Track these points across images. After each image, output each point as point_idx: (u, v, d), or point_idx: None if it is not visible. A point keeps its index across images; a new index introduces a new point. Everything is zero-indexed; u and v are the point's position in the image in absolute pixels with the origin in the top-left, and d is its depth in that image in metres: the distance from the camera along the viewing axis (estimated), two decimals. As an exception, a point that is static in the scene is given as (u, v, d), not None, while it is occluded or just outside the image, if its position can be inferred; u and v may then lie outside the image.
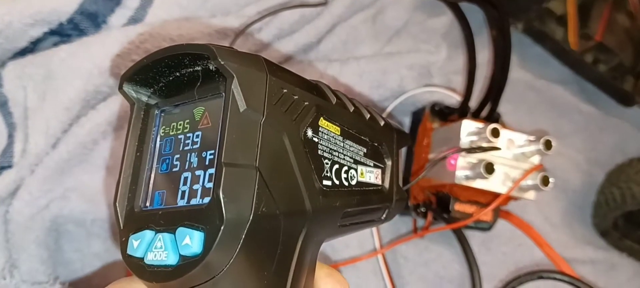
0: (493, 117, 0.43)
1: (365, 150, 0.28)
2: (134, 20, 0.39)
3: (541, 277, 0.43)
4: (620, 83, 0.54)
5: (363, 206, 0.27)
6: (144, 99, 0.23)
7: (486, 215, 0.41)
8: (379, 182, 0.29)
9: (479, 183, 0.39)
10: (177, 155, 0.22)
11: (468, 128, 0.39)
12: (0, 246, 0.35)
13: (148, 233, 0.21)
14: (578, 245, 0.51)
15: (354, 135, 0.27)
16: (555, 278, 0.43)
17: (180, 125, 0.22)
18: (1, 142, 0.36)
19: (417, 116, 0.46)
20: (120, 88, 0.23)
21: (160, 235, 0.20)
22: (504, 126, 0.41)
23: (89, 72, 0.36)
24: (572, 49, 0.52)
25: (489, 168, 0.37)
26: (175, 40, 0.39)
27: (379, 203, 0.28)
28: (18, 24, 0.35)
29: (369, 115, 0.28)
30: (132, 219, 0.22)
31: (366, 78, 0.45)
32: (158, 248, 0.20)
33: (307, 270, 0.23)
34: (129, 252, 0.21)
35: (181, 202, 0.21)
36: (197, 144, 0.21)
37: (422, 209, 0.43)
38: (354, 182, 0.26)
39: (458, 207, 0.41)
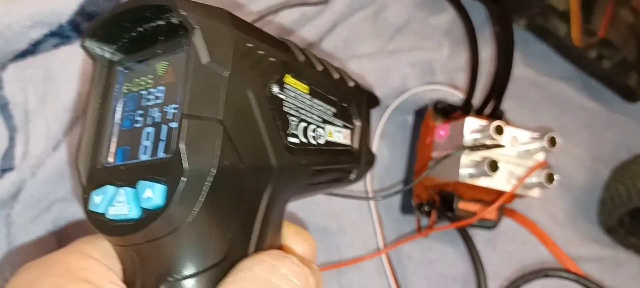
0: (496, 115, 0.43)
1: (334, 110, 0.28)
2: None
3: (547, 276, 0.43)
4: (624, 79, 0.54)
5: (331, 165, 0.27)
6: (107, 55, 0.23)
7: (490, 213, 0.41)
8: (348, 142, 0.29)
9: (483, 182, 0.39)
10: (140, 111, 0.22)
11: (471, 126, 0.39)
12: (2, 249, 0.35)
13: (110, 189, 0.20)
14: (583, 243, 0.51)
15: (323, 94, 0.27)
16: (561, 277, 0.43)
17: (143, 81, 0.22)
18: (2, 145, 0.36)
19: (420, 114, 0.46)
20: (82, 44, 0.23)
21: (122, 190, 0.20)
22: (508, 123, 0.41)
23: (90, 74, 0.36)
24: (576, 45, 0.52)
25: (493, 166, 0.37)
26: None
27: (348, 163, 0.29)
28: (17, 26, 0.35)
29: (338, 76, 0.28)
30: (94, 176, 0.22)
31: (368, 76, 0.45)
32: (120, 203, 0.20)
33: (273, 227, 0.23)
34: (90, 207, 0.21)
35: (144, 157, 0.21)
36: (160, 99, 0.21)
37: (426, 208, 0.43)
38: (322, 141, 0.26)
39: (462, 205, 0.41)
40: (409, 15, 0.49)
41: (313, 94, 0.26)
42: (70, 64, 0.36)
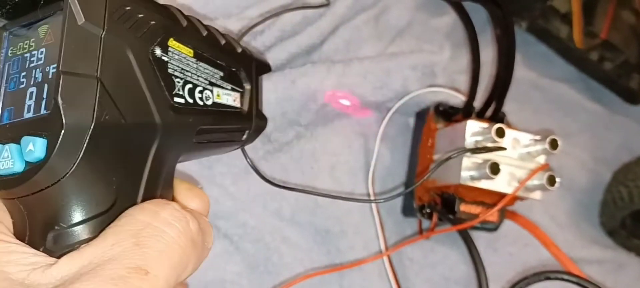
0: (498, 117, 0.43)
1: (221, 73, 0.30)
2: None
3: (548, 278, 0.42)
4: (626, 81, 0.54)
5: (219, 125, 0.29)
6: None
7: (492, 215, 0.41)
8: (238, 105, 0.31)
9: (484, 184, 0.39)
10: (24, 73, 0.23)
11: (473, 128, 0.39)
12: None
13: None
14: (585, 245, 0.51)
15: (209, 58, 0.29)
16: (562, 279, 0.42)
17: (26, 44, 0.23)
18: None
19: (421, 117, 0.46)
20: None
21: (7, 146, 0.21)
22: (509, 126, 0.41)
23: None
24: (577, 47, 0.52)
25: (495, 168, 0.37)
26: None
27: (238, 124, 0.31)
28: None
29: (224, 41, 0.30)
30: None
31: (369, 79, 0.45)
32: (5, 158, 0.21)
33: (162, 181, 0.25)
34: None
35: (27, 115, 0.22)
36: (41, 60, 0.22)
37: (427, 210, 0.43)
38: (209, 102, 0.28)
39: (464, 207, 0.41)
40: (410, 17, 0.49)
41: (198, 57, 0.28)
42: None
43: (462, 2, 0.44)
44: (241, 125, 0.31)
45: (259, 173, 0.37)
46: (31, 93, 0.22)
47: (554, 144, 0.39)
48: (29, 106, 0.22)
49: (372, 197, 0.44)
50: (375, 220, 0.44)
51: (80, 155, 0.21)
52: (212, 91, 0.29)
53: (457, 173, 0.39)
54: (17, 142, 0.21)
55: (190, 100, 0.27)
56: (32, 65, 0.23)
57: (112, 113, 0.21)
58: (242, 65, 0.31)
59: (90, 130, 0.21)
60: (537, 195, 0.41)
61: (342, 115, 0.45)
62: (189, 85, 0.27)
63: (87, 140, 0.21)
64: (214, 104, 0.29)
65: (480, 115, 0.43)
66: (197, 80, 0.27)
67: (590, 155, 0.54)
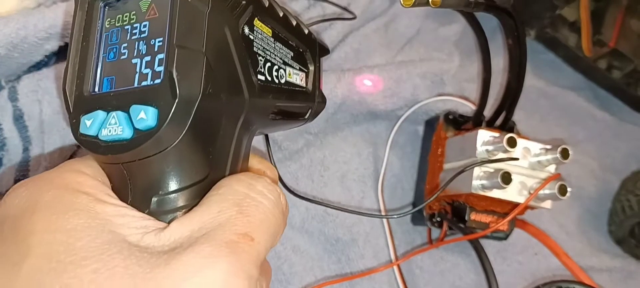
0: (508, 126, 0.43)
1: (292, 53, 0.31)
2: (148, 32, 0.39)
3: (559, 287, 0.42)
4: (634, 89, 0.54)
5: (290, 102, 0.30)
6: None
7: (503, 224, 0.41)
8: (304, 84, 0.32)
9: (495, 193, 0.39)
10: (125, 44, 0.23)
11: (484, 137, 0.39)
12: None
13: (100, 113, 0.22)
14: (594, 254, 0.51)
15: (283, 38, 0.30)
16: (573, 288, 0.42)
17: (126, 17, 0.24)
18: (17, 156, 0.37)
19: (431, 125, 0.46)
20: None
21: (113, 113, 0.22)
22: (519, 135, 0.41)
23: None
24: (586, 56, 0.52)
25: (506, 178, 0.37)
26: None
27: (304, 102, 0.32)
28: (33, 38, 0.35)
29: (296, 23, 0.31)
30: (81, 102, 0.23)
31: (379, 87, 0.45)
32: (112, 125, 0.22)
33: (244, 154, 0.26)
34: (82, 131, 0.23)
35: (132, 85, 0.22)
36: (145, 33, 0.23)
37: (438, 219, 0.43)
38: (283, 81, 0.29)
39: (474, 216, 0.41)
40: (420, 25, 0.49)
41: (275, 37, 0.29)
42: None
43: (474, 12, 0.44)
44: (306, 104, 0.32)
45: (284, 184, 0.38)
46: (136, 64, 0.22)
47: (565, 154, 0.39)
48: (134, 76, 0.22)
49: (381, 206, 0.44)
50: (385, 229, 0.44)
51: (188, 126, 0.21)
52: (285, 70, 0.30)
53: (468, 182, 0.39)
54: (125, 110, 0.22)
55: (269, 78, 0.28)
56: (134, 37, 0.23)
57: (214, 85, 0.22)
58: (308, 47, 0.33)
59: (198, 101, 0.21)
60: (547, 204, 0.40)
61: (351, 124, 0.46)
62: (268, 64, 0.28)
63: (194, 112, 0.21)
64: (287, 82, 0.30)
65: (490, 124, 0.43)
66: (274, 59, 0.28)
67: (598, 164, 0.54)
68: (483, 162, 0.38)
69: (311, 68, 0.33)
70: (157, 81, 0.21)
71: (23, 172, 0.36)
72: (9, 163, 0.36)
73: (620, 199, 0.51)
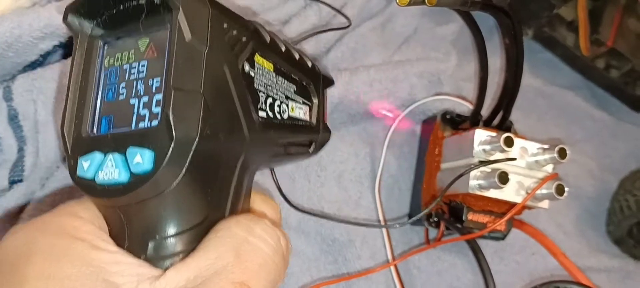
0: (505, 126, 0.43)
1: (295, 87, 0.30)
2: (144, 32, 0.39)
3: (557, 287, 0.42)
4: (632, 88, 0.54)
5: (293, 138, 0.30)
6: (88, 30, 0.25)
7: (500, 224, 0.41)
8: (307, 118, 0.32)
9: (492, 193, 0.38)
10: (123, 84, 0.23)
11: (481, 137, 0.39)
12: (11, 261, 0.35)
13: (97, 155, 0.22)
14: (592, 254, 0.51)
15: (285, 73, 0.29)
16: (570, 288, 0.42)
17: (124, 55, 0.24)
18: (11, 156, 0.36)
19: (428, 124, 0.46)
20: (64, 19, 0.24)
21: (110, 156, 0.22)
22: (517, 134, 0.41)
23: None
24: (583, 55, 0.52)
25: (503, 178, 0.37)
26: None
27: (308, 136, 0.31)
28: (27, 38, 0.35)
29: (298, 56, 0.30)
30: (79, 143, 0.23)
31: (376, 87, 0.45)
32: (109, 168, 0.21)
33: (244, 193, 0.26)
34: (79, 173, 0.22)
35: (131, 126, 0.22)
36: (143, 73, 0.23)
37: (435, 219, 0.42)
38: (285, 116, 0.29)
39: (471, 216, 0.41)
40: (417, 25, 0.49)
41: (277, 71, 0.28)
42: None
43: (471, 11, 0.44)
44: (310, 138, 0.32)
45: (285, 197, 0.38)
46: (133, 105, 0.22)
47: (562, 153, 0.39)
48: (131, 117, 0.22)
49: (379, 207, 0.44)
50: (382, 230, 0.44)
51: (185, 168, 0.21)
52: (287, 105, 0.29)
53: (465, 182, 0.38)
54: (122, 152, 0.21)
55: (271, 115, 0.27)
56: (132, 77, 0.23)
57: (212, 126, 0.22)
58: (312, 80, 0.32)
59: (196, 143, 0.21)
60: (545, 204, 0.40)
61: (348, 123, 0.45)
62: (270, 100, 0.27)
63: (191, 154, 0.21)
64: (289, 117, 0.29)
65: (487, 124, 0.43)
66: (276, 94, 0.28)
67: (596, 163, 0.54)
68: (481, 163, 0.38)
69: (315, 101, 0.32)
70: (155, 123, 0.21)
71: (18, 172, 0.36)
72: (4, 164, 0.36)
73: (619, 199, 0.51)
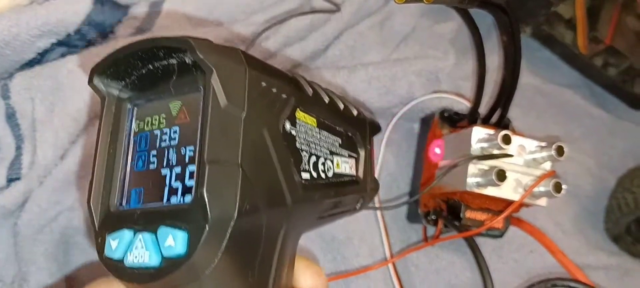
0: (503, 123, 0.43)
1: (340, 140, 0.28)
2: (142, 30, 0.39)
3: (555, 285, 0.42)
4: (630, 86, 0.54)
5: (339, 197, 0.27)
6: (115, 92, 0.23)
7: (498, 222, 0.41)
8: (354, 172, 0.29)
9: (490, 191, 0.38)
10: (154, 152, 0.21)
11: (479, 134, 0.39)
12: (9, 259, 0.35)
13: (126, 233, 0.20)
14: (590, 251, 0.51)
15: (330, 126, 0.27)
16: (569, 286, 0.42)
17: (155, 120, 0.22)
18: (9, 154, 0.36)
19: (426, 122, 0.46)
20: (90, 82, 0.22)
21: (140, 235, 0.19)
22: (515, 132, 0.41)
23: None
24: (582, 53, 0.52)
25: (501, 175, 0.37)
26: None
27: (354, 193, 0.28)
28: (25, 36, 0.35)
29: (343, 106, 0.28)
30: (108, 218, 0.21)
31: (374, 85, 0.45)
32: (139, 249, 0.19)
33: (288, 263, 0.23)
34: (107, 253, 0.20)
35: (162, 202, 0.20)
36: (175, 140, 0.21)
37: (433, 217, 0.42)
38: (330, 174, 0.26)
39: (469, 214, 0.41)
40: (415, 23, 0.49)
41: (321, 126, 0.26)
42: (78, 73, 0.36)
43: (468, 9, 0.44)
44: (358, 194, 0.29)
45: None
46: (164, 176, 0.20)
47: (560, 151, 0.39)
48: (163, 191, 0.20)
49: (377, 204, 0.44)
50: (380, 227, 0.44)
51: (223, 250, 0.19)
52: (332, 161, 0.27)
53: (462, 180, 0.38)
54: (152, 231, 0.19)
55: (315, 175, 0.25)
56: (163, 144, 0.21)
57: (251, 200, 0.19)
58: (357, 129, 0.30)
59: (233, 222, 0.19)
60: (542, 201, 0.40)
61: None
62: (314, 158, 0.25)
63: (229, 233, 0.19)
64: (334, 174, 0.27)
65: (485, 121, 0.43)
66: (320, 151, 0.26)
67: (595, 161, 0.54)
68: (474, 157, 0.38)
69: (361, 152, 0.30)
70: (188, 198, 0.19)
71: (15, 170, 0.36)
72: (2, 162, 0.36)
73: (617, 197, 0.51)
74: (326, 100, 0.26)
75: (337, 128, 0.28)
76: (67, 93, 0.36)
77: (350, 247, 0.42)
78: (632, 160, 0.54)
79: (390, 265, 0.43)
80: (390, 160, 0.46)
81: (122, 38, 0.39)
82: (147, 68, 0.22)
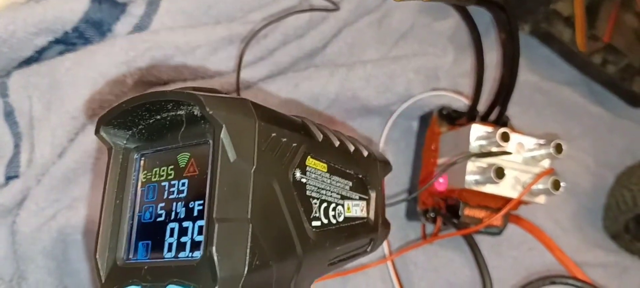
0: (502, 121, 0.43)
1: (350, 183, 0.27)
2: (139, 28, 0.39)
3: (553, 282, 0.42)
4: (629, 84, 0.54)
5: (350, 241, 0.26)
6: (122, 142, 0.22)
7: (496, 219, 0.41)
8: (365, 215, 0.28)
9: (489, 188, 0.38)
10: (162, 204, 0.21)
11: (477, 132, 0.39)
12: (7, 257, 0.35)
13: None
14: (589, 249, 0.51)
15: (340, 169, 0.26)
16: (567, 283, 0.42)
17: (163, 171, 0.21)
18: (7, 152, 0.36)
19: (425, 120, 0.46)
20: (97, 132, 0.22)
21: None
22: (513, 129, 0.41)
23: (95, 81, 0.36)
24: (580, 51, 0.52)
25: (500, 173, 0.37)
26: (181, 47, 0.39)
27: (365, 235, 0.28)
28: (22, 33, 0.35)
29: (353, 148, 0.27)
30: (115, 273, 0.21)
31: (373, 82, 0.45)
32: None
33: None
34: None
35: (168, 255, 0.20)
36: (183, 193, 0.20)
37: (431, 215, 0.43)
38: (341, 219, 0.26)
39: (468, 212, 0.41)
40: (414, 21, 0.49)
41: (331, 171, 0.26)
42: (76, 71, 0.36)
43: (466, 6, 0.43)
44: (369, 237, 0.28)
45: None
46: (172, 229, 0.20)
47: (558, 149, 0.39)
48: (170, 244, 0.20)
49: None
50: (378, 225, 0.44)
51: None
52: (343, 205, 0.26)
53: (461, 177, 0.38)
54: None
55: (325, 221, 0.24)
56: (172, 196, 0.21)
57: (261, 255, 0.19)
58: (368, 170, 0.29)
59: (243, 280, 0.18)
60: (541, 199, 0.40)
61: (345, 119, 0.45)
62: (324, 205, 0.25)
63: None
64: (345, 218, 0.26)
65: (484, 119, 0.43)
66: (331, 196, 0.25)
67: (593, 159, 0.54)
68: (472, 155, 0.38)
69: (373, 194, 0.29)
70: (197, 254, 0.19)
71: (14, 168, 0.36)
72: (0, 160, 0.36)
73: (615, 194, 0.51)
74: (336, 143, 0.26)
75: (348, 171, 0.27)
76: (64, 91, 0.36)
77: (348, 244, 0.42)
78: (630, 158, 0.54)
79: (389, 263, 0.43)
80: (389, 157, 0.46)
81: (120, 36, 0.38)
82: (154, 118, 0.22)
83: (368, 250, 0.29)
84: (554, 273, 0.45)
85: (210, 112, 0.19)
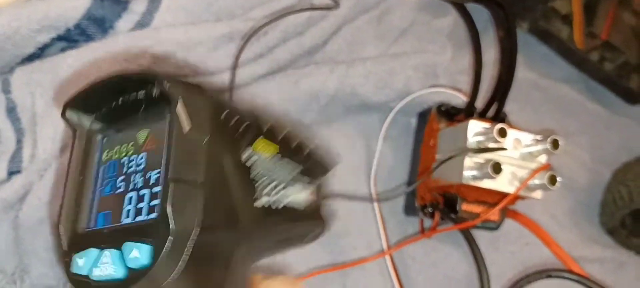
0: (499, 117, 0.43)
1: (294, 174, 0.29)
2: (141, 25, 0.39)
3: (549, 276, 0.43)
4: (626, 81, 0.54)
5: (293, 223, 0.29)
6: (87, 124, 0.24)
7: (494, 214, 0.41)
8: (307, 204, 0.31)
9: (486, 183, 0.39)
10: (121, 177, 0.23)
11: (475, 128, 0.39)
12: (10, 251, 0.35)
13: (93, 251, 0.21)
14: (586, 244, 0.51)
15: (286, 157, 0.29)
16: (563, 277, 0.43)
17: (123, 148, 0.23)
18: (10, 148, 0.37)
19: (424, 117, 0.46)
20: (63, 115, 0.24)
21: (106, 252, 0.21)
22: (511, 126, 0.41)
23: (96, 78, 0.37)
24: (578, 48, 0.52)
25: (497, 168, 0.37)
26: (182, 44, 0.39)
27: (306, 222, 0.31)
28: (25, 30, 0.36)
29: (296, 142, 0.30)
30: (75, 240, 0.23)
31: (372, 79, 0.45)
32: (105, 264, 0.21)
33: (242, 284, 0.25)
34: (73, 270, 0.22)
35: (126, 221, 0.22)
36: (141, 166, 0.22)
37: (429, 210, 0.43)
38: (286, 201, 0.28)
39: (465, 207, 0.41)
40: (413, 18, 0.49)
41: (276, 158, 0.28)
42: (78, 67, 0.37)
43: (465, 3, 0.44)
44: (308, 224, 0.31)
45: None
46: (130, 198, 0.22)
47: (555, 144, 0.39)
48: (128, 211, 0.22)
49: (374, 197, 0.45)
50: (377, 220, 0.44)
51: (182, 262, 0.20)
52: (287, 190, 0.28)
53: (459, 172, 0.39)
54: (118, 247, 0.21)
55: (271, 200, 0.26)
56: (130, 170, 0.23)
57: (210, 218, 0.21)
58: (308, 166, 0.31)
59: (195, 236, 0.20)
60: (538, 194, 0.41)
61: (344, 116, 0.46)
62: (271, 185, 0.27)
63: (190, 247, 0.20)
64: (289, 203, 0.29)
65: (482, 116, 0.44)
66: (276, 180, 0.27)
67: (590, 155, 0.54)
68: (469, 150, 0.38)
69: (313, 187, 0.32)
70: (153, 216, 0.21)
71: (16, 164, 0.36)
72: (2, 155, 0.36)
73: (611, 190, 0.51)
74: (282, 133, 0.28)
75: (294, 160, 0.29)
76: (67, 87, 0.36)
77: (347, 239, 0.42)
78: (627, 154, 0.55)
79: (387, 257, 0.43)
80: (387, 154, 0.46)
81: (122, 33, 0.39)
82: (116, 102, 0.23)
83: (305, 240, 0.32)
84: (551, 267, 0.45)
85: (168, 86, 0.21)
